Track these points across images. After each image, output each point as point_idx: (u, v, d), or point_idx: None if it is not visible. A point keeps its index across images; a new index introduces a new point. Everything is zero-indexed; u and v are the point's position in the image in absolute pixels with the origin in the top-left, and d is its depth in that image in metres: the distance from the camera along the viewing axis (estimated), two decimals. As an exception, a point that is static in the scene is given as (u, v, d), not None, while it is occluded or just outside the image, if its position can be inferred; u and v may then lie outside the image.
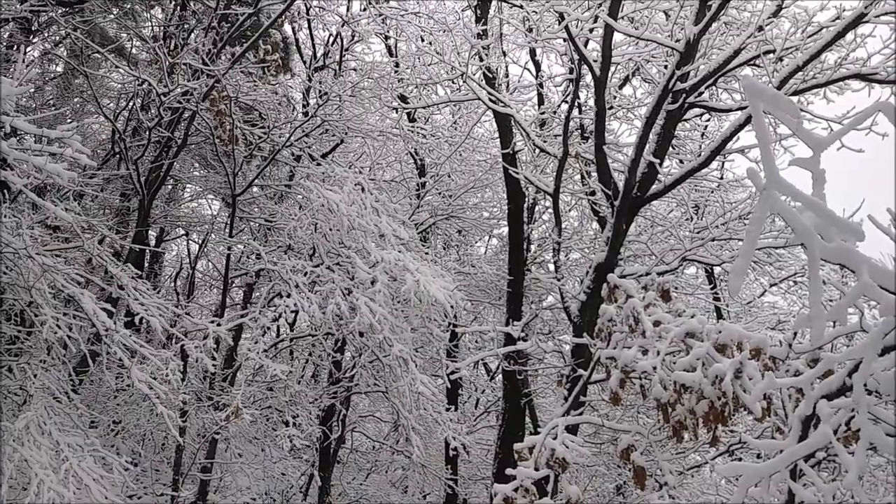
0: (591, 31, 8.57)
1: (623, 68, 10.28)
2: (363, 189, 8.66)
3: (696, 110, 9.47)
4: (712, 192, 11.40)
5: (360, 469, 14.38)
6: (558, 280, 9.25)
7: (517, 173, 9.87)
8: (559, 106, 10.89)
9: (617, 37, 8.37)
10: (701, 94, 8.26)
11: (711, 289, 12.56)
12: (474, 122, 11.97)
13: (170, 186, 11.14)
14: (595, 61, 7.84)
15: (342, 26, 9.98)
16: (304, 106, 10.42)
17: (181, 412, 7.96)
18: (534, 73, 11.21)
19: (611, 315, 5.17)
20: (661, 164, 8.28)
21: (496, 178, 12.06)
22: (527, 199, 10.97)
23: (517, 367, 9.53)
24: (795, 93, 7.82)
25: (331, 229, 8.66)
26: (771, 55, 7.61)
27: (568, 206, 12.13)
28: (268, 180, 10.30)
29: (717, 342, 4.55)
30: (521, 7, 8.77)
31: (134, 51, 10.25)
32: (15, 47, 9.10)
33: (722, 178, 12.07)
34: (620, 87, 10.50)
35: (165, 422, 6.44)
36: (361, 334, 9.61)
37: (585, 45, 8.79)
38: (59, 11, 8.52)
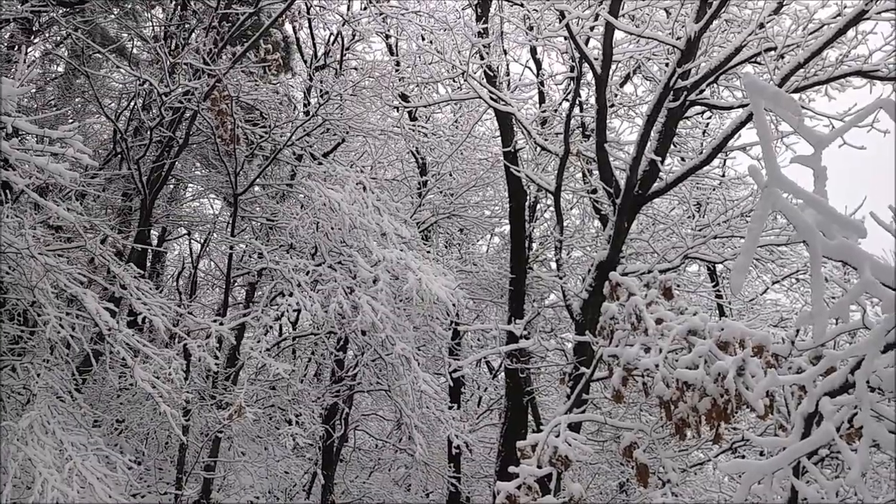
0: (591, 29, 8.57)
1: (624, 66, 10.27)
2: (365, 188, 8.66)
3: (698, 108, 9.46)
4: (714, 189, 11.38)
5: (363, 467, 14.38)
6: (560, 278, 9.26)
7: (518, 171, 9.87)
8: (560, 104, 10.89)
9: (618, 34, 8.37)
10: (702, 91, 8.26)
11: (713, 286, 12.55)
12: (475, 121, 11.97)
13: (171, 186, 11.15)
14: (596, 59, 7.84)
15: (343, 25, 9.98)
16: (305, 105, 10.43)
17: (184, 411, 7.98)
18: (535, 71, 11.20)
19: (613, 313, 5.18)
20: (662, 162, 8.28)
21: (497, 176, 12.06)
22: (528, 198, 10.97)
23: (519, 365, 9.53)
24: (797, 90, 7.81)
25: (332, 228, 8.67)
26: (772, 52, 7.61)
27: (569, 205, 12.12)
28: (269, 179, 10.30)
29: (720, 340, 4.56)
30: (522, 5, 8.77)
31: (135, 51, 10.26)
32: (16, 48, 9.11)
33: (724, 175, 12.05)
34: (622, 84, 10.49)
35: (169, 420, 6.46)
36: (364, 333, 9.62)
37: (586, 43, 8.79)
38: (60, 12, 8.53)
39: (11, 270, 6.46)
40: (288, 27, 10.86)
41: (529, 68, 11.38)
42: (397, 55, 11.41)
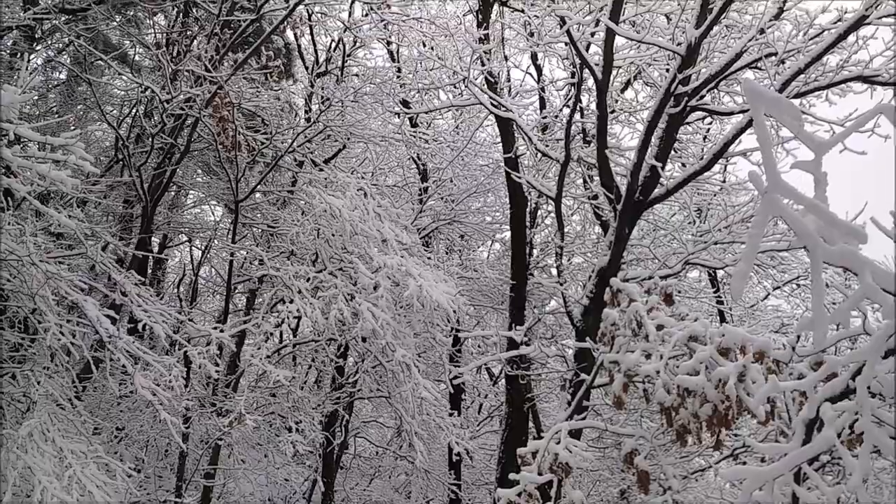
0: (592, 34, 8.58)
1: (625, 72, 10.28)
2: (366, 194, 8.67)
3: (698, 113, 9.45)
4: (715, 195, 11.37)
5: (364, 474, 14.35)
6: (561, 284, 9.24)
7: (519, 178, 9.87)
8: (561, 110, 10.90)
9: (618, 40, 8.38)
10: (703, 97, 8.26)
11: (714, 292, 12.53)
12: (476, 127, 11.99)
13: (173, 193, 11.17)
14: (597, 65, 7.85)
15: (344, 32, 10.01)
16: (306, 112, 10.44)
17: (184, 418, 7.96)
18: (535, 77, 11.22)
19: (614, 319, 5.17)
20: (663, 168, 8.27)
21: (498, 182, 12.07)
22: (529, 204, 10.97)
23: (520, 371, 9.52)
24: (797, 95, 7.82)
25: (333, 235, 8.67)
26: (772, 58, 7.61)
27: (570, 211, 12.12)
28: (270, 186, 10.31)
29: (721, 346, 4.55)
30: (523, 11, 8.79)
31: (137, 58, 10.30)
32: (18, 55, 9.13)
33: (724, 181, 12.02)
34: (622, 90, 10.50)
35: (169, 428, 6.45)
36: (364, 340, 9.62)
37: (587, 48, 8.80)
38: (63, 19, 8.56)
39: (12, 278, 6.46)
40: (289, 34, 10.89)
41: (530, 74, 11.42)
42: (398, 61, 11.43)
